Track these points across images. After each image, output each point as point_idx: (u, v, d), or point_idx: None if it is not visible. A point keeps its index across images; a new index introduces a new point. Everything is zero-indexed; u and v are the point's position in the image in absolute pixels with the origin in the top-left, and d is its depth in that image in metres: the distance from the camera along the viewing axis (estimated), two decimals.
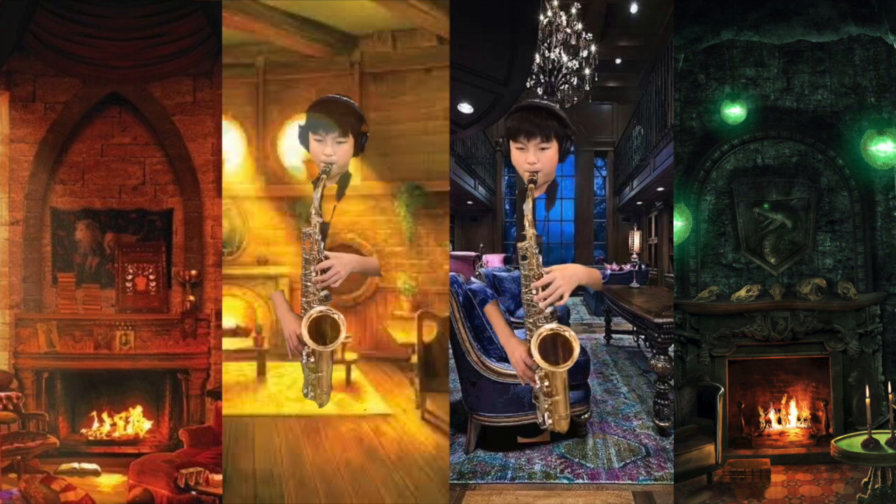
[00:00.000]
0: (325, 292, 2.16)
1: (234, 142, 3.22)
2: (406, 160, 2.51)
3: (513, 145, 2.12)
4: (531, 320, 2.05)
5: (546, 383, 2.06)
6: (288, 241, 3.13)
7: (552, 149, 2.09)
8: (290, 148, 3.24)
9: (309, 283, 2.17)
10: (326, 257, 2.17)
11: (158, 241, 4.42)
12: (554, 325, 2.01)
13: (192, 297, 4.32)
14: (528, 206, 2.03)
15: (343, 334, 2.13)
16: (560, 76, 7.88)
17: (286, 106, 3.22)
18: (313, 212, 2.14)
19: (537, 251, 2.02)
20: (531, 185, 2.06)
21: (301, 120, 2.27)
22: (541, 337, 1.99)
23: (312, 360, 2.20)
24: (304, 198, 3.15)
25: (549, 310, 2.03)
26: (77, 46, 3.97)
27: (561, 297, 2.03)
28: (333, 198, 2.27)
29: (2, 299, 4.31)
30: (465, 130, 5.00)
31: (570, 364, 1.99)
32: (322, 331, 2.15)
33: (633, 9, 10.73)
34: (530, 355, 2.02)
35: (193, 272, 4.34)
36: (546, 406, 2.08)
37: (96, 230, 4.41)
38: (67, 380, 4.30)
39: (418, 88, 3.13)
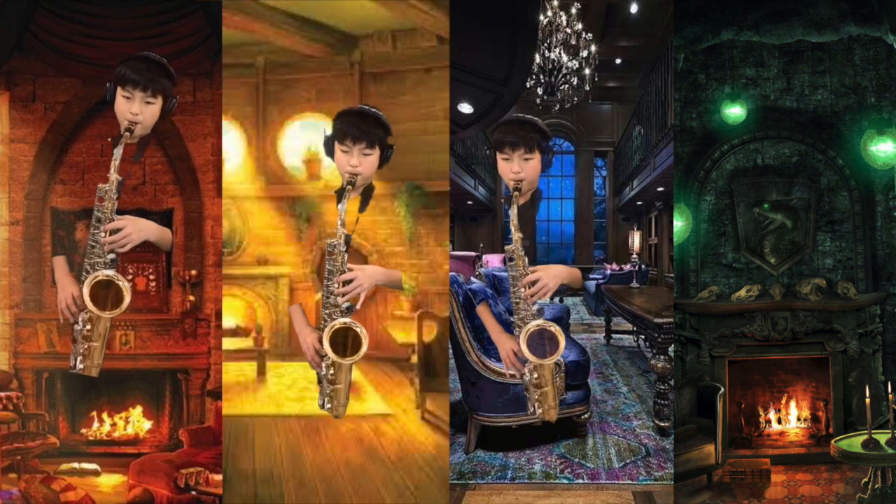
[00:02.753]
0: (347, 305, 2.14)
1: (234, 142, 3.23)
2: (406, 160, 2.51)
3: (499, 156, 2.27)
4: (520, 317, 2.17)
5: (535, 375, 2.19)
6: (288, 241, 3.13)
7: (535, 159, 2.25)
8: (290, 148, 3.24)
9: (331, 296, 2.14)
10: (350, 269, 2.15)
11: None
12: (540, 321, 2.15)
13: (192, 297, 4.32)
14: (513, 212, 2.19)
15: (364, 347, 2.10)
16: (560, 76, 7.88)
17: (286, 106, 3.23)
18: (339, 223, 2.12)
19: (523, 253, 2.17)
20: (516, 193, 2.23)
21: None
22: (528, 332, 2.13)
23: (332, 371, 2.15)
24: (303, 198, 3.16)
25: (535, 307, 2.17)
26: (77, 46, 3.97)
27: (546, 294, 2.19)
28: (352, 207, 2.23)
29: (2, 299, 4.31)
30: (465, 130, 5.00)
31: (556, 357, 2.14)
32: (342, 343, 2.12)
33: (633, 9, 10.71)
34: (520, 349, 2.16)
35: (193, 272, 4.34)
36: (536, 397, 2.21)
37: None
38: (67, 380, 4.30)
39: (418, 88, 3.13)
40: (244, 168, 3.25)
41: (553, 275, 2.19)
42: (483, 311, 2.61)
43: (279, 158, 3.26)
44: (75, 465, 3.85)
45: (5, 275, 4.32)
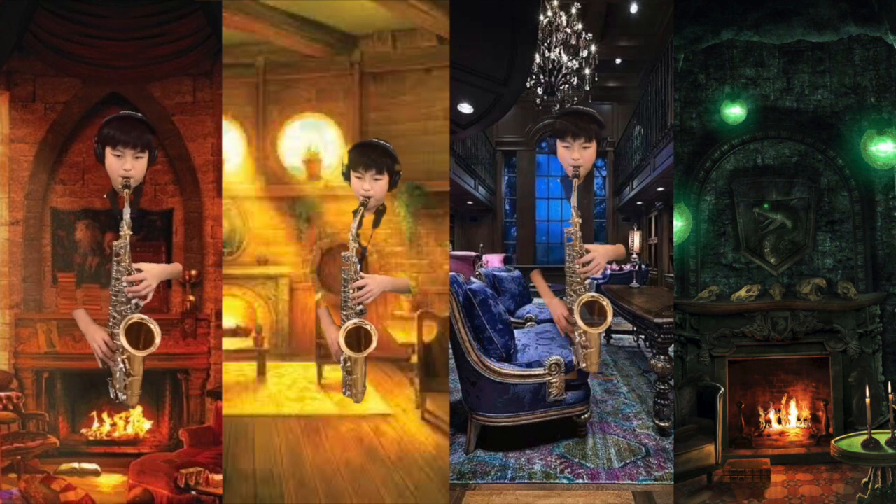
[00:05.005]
0: (360, 307, 2.44)
1: (234, 142, 3.23)
2: (406, 160, 2.53)
3: (559, 144, 2.55)
4: (573, 289, 2.50)
5: (584, 338, 2.51)
6: (288, 241, 3.14)
7: (592, 148, 2.54)
8: (290, 148, 3.24)
9: (347, 300, 2.46)
10: (362, 277, 2.46)
11: (158, 241, 4.42)
12: (593, 293, 2.48)
13: (192, 297, 4.32)
14: (574, 197, 2.52)
15: (374, 343, 2.40)
16: (560, 76, 7.88)
17: (286, 106, 3.23)
18: (351, 238, 2.44)
19: (580, 234, 2.50)
20: (575, 178, 2.52)
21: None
22: (582, 302, 2.44)
23: (349, 364, 2.46)
24: (303, 198, 3.16)
25: (588, 282, 2.50)
26: (77, 46, 3.97)
27: (598, 270, 2.52)
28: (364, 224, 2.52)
29: (2, 299, 4.31)
30: (465, 130, 5.01)
31: (606, 325, 2.44)
32: (357, 339, 2.43)
33: (633, 9, 10.72)
34: (571, 314, 2.48)
35: (193, 272, 4.34)
36: (583, 355, 2.54)
37: (96, 230, 4.41)
38: (67, 380, 4.30)
39: (418, 88, 3.14)
40: (244, 168, 3.25)
41: (603, 254, 2.54)
42: (536, 277, 2.95)
43: (279, 158, 3.26)
44: (75, 465, 3.85)
45: (5, 275, 4.32)
